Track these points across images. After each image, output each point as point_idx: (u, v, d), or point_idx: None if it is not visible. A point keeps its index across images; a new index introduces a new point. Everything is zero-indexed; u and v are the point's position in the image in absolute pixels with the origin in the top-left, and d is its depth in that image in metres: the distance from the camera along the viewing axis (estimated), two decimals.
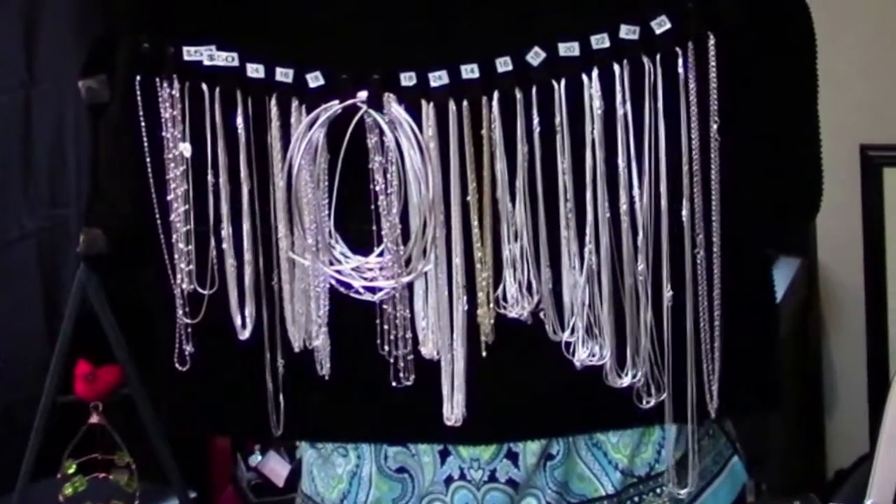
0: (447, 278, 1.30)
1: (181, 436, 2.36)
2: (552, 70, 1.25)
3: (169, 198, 1.34)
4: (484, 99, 1.26)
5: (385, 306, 1.32)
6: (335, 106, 1.27)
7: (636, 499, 1.38)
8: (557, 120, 1.26)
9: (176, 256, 1.35)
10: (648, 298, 1.28)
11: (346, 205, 1.31)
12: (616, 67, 1.24)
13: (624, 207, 1.27)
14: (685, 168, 1.26)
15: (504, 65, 1.25)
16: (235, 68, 1.29)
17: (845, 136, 2.75)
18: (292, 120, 1.30)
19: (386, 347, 1.33)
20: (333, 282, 1.32)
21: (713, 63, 1.24)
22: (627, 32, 1.23)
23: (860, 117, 2.81)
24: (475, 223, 1.29)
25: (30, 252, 2.58)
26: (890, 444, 1.59)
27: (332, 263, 1.32)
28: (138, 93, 1.32)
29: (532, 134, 1.26)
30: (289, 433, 1.38)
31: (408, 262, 1.30)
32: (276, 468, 2.77)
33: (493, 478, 1.37)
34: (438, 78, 1.26)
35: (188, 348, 1.37)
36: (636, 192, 1.26)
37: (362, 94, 1.26)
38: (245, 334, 1.35)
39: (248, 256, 1.34)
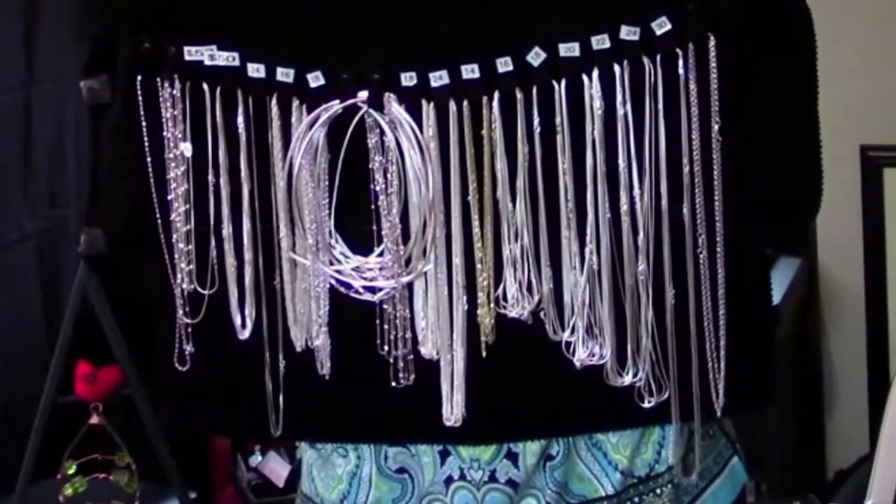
0: (447, 278, 1.30)
1: (181, 436, 2.37)
2: (553, 70, 1.25)
3: (169, 197, 1.34)
4: (484, 99, 1.26)
5: (385, 306, 1.32)
6: (336, 106, 1.27)
7: (636, 499, 1.38)
8: (558, 120, 1.26)
9: (176, 256, 1.35)
10: (649, 298, 1.29)
11: (346, 204, 1.31)
12: (616, 68, 1.24)
13: (624, 207, 1.27)
14: (685, 168, 1.26)
15: (504, 65, 1.25)
16: (236, 68, 1.29)
17: (845, 136, 2.75)
18: (293, 120, 1.30)
19: (386, 347, 1.33)
20: (333, 282, 1.32)
21: (713, 64, 1.24)
22: (628, 33, 1.24)
23: (860, 117, 2.81)
24: (475, 223, 1.29)
25: (29, 252, 2.58)
26: (890, 444, 1.59)
27: (332, 263, 1.32)
28: (139, 93, 1.32)
29: (532, 134, 1.26)
30: (288, 433, 1.38)
31: (408, 261, 1.30)
32: (276, 468, 2.78)
33: (492, 478, 1.37)
34: (439, 78, 1.26)
35: (188, 348, 1.37)
36: (636, 192, 1.26)
37: (363, 94, 1.27)
38: (245, 334, 1.35)
39: (248, 256, 1.34)
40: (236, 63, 1.29)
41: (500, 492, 1.37)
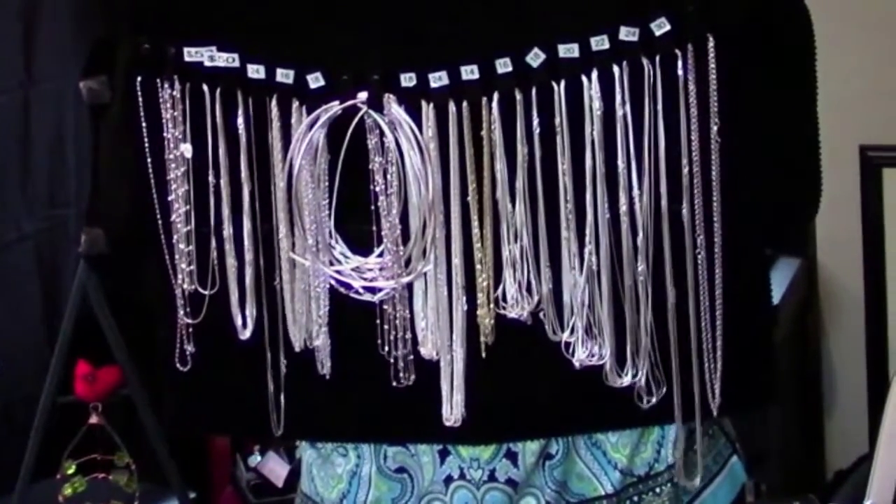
0: (447, 279, 1.30)
1: (182, 436, 2.37)
2: (552, 71, 1.25)
3: (170, 198, 1.34)
4: (484, 100, 1.26)
5: (385, 306, 1.32)
6: (335, 106, 1.28)
7: (635, 498, 1.38)
8: (557, 121, 1.26)
9: (177, 257, 1.35)
10: (648, 298, 1.29)
11: (346, 205, 1.31)
12: (616, 69, 1.25)
13: (623, 208, 1.27)
14: (685, 169, 1.26)
15: (504, 66, 1.25)
16: (236, 69, 1.29)
17: (845, 136, 2.75)
18: (293, 120, 1.30)
19: (386, 348, 1.33)
20: (333, 282, 1.32)
21: (713, 65, 1.24)
22: (627, 34, 1.24)
23: (859, 117, 2.81)
24: (475, 224, 1.29)
25: (29, 252, 2.58)
26: (890, 444, 1.60)
27: (332, 264, 1.32)
28: (139, 93, 1.32)
29: (532, 135, 1.26)
30: (289, 433, 1.38)
31: (407, 262, 1.30)
32: (276, 468, 2.78)
33: (492, 477, 1.37)
34: (438, 79, 1.26)
35: (189, 348, 1.37)
36: (636, 192, 1.27)
37: (362, 95, 1.27)
38: (246, 334, 1.35)
39: (248, 256, 1.34)
40: (236, 64, 1.29)
41: (499, 491, 1.37)
